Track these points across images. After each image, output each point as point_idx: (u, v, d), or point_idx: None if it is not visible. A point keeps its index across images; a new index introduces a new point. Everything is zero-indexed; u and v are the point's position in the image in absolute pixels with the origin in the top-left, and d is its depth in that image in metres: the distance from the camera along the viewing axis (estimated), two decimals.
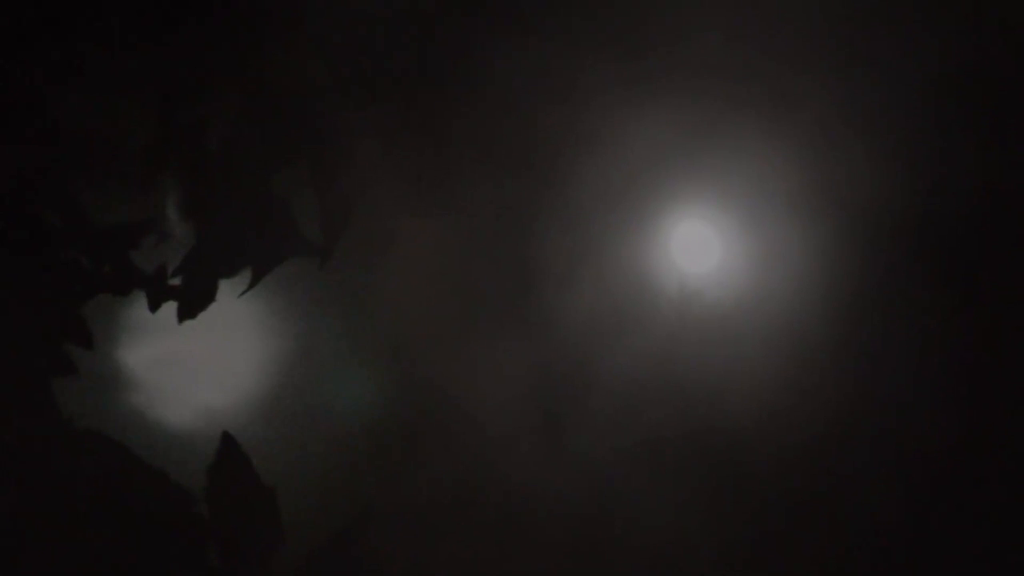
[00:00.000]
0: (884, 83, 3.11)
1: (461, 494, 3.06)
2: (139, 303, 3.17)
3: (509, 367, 3.07)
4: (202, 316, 3.17)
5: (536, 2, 3.15)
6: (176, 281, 3.17)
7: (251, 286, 3.19)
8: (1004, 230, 3.11)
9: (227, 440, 3.05)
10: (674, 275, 3.16)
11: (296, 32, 3.17)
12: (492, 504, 3.05)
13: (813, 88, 3.12)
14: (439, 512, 3.06)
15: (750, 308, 3.13)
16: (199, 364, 3.16)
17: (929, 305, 3.10)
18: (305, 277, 3.20)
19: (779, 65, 3.14)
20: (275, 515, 3.04)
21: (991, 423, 3.05)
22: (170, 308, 3.17)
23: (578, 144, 3.14)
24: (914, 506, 3.04)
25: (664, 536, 3.02)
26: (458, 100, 3.18)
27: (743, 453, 3.06)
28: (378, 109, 3.20)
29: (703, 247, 3.17)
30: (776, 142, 3.14)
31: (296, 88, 3.18)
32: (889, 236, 3.12)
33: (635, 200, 3.14)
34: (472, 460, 3.06)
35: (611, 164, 3.15)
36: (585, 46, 3.13)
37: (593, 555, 3.03)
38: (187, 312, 3.18)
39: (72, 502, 3.01)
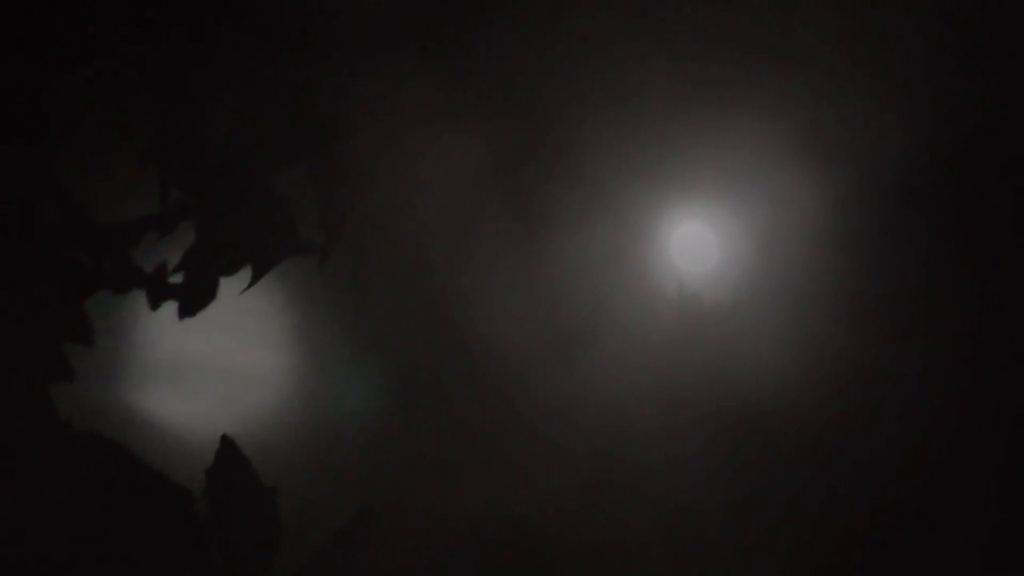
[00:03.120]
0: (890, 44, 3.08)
1: (476, 443, 3.07)
2: (139, 302, 3.17)
3: (521, 311, 3.06)
4: (202, 315, 3.17)
5: None
6: (177, 279, 3.17)
7: (251, 284, 3.18)
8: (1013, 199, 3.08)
9: (225, 442, 3.05)
10: (682, 260, 3.16)
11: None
12: (509, 449, 3.05)
13: (816, 60, 3.10)
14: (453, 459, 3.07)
15: (755, 285, 3.12)
16: (199, 364, 3.16)
17: (939, 289, 3.07)
18: (305, 276, 3.20)
19: (783, 38, 3.11)
20: (275, 515, 3.05)
21: (1005, 394, 3.01)
22: (170, 307, 3.17)
23: (587, 109, 3.12)
24: (919, 489, 3.03)
25: (674, 478, 3.02)
26: (458, 82, 3.17)
27: (755, 392, 3.06)
28: (383, 81, 3.18)
29: (710, 223, 3.16)
30: (781, 111, 3.12)
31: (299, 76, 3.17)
32: (900, 208, 3.09)
33: (640, 172, 3.14)
34: (488, 403, 3.06)
35: (616, 135, 3.13)
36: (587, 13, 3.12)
37: (606, 496, 3.04)
38: (188, 310, 3.18)
39: (72, 502, 3.02)
